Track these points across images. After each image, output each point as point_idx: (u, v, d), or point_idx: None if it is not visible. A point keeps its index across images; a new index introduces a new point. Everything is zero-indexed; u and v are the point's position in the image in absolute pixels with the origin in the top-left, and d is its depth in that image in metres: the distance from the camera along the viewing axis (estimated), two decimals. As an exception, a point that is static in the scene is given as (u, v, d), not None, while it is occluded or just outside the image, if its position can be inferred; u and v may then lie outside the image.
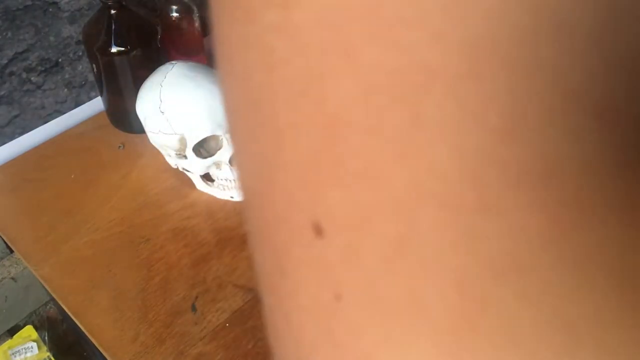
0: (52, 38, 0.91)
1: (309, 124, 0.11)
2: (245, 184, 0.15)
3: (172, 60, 0.85)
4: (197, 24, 0.97)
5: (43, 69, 0.92)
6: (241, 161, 0.15)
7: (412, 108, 0.10)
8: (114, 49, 0.85)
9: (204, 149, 0.82)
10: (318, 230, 0.12)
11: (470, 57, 0.10)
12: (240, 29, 0.12)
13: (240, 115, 0.14)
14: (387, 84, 0.10)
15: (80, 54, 0.95)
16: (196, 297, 0.75)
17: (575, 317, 0.11)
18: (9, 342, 1.00)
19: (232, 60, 0.13)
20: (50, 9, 0.88)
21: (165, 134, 0.79)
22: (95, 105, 1.01)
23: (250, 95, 0.13)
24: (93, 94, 1.01)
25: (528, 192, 0.10)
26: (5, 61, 0.87)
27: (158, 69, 0.83)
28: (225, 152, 0.80)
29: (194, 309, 0.74)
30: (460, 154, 0.10)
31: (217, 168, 0.82)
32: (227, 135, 0.79)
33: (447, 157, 0.10)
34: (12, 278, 0.99)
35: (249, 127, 0.13)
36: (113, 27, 0.84)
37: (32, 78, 0.92)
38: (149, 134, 0.83)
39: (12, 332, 1.03)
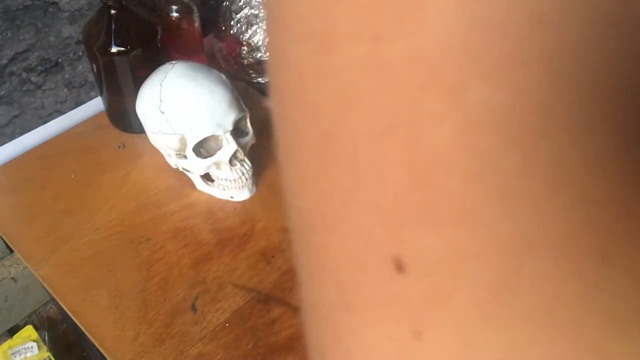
0: (52, 38, 0.91)
1: (396, 163, 0.11)
2: (303, 219, 0.14)
3: (172, 60, 0.85)
4: (197, 24, 0.97)
5: (43, 69, 0.92)
6: (299, 191, 0.14)
7: (526, 153, 0.10)
8: (114, 49, 0.85)
9: (204, 149, 0.82)
10: (399, 267, 0.12)
11: (593, 102, 0.09)
12: (314, 59, 0.11)
13: (305, 149, 0.13)
14: (496, 125, 0.10)
15: (80, 54, 0.95)
16: (196, 297, 0.75)
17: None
18: (9, 342, 1.00)
19: (301, 90, 0.12)
20: (50, 9, 0.88)
21: (165, 134, 0.79)
22: (95, 105, 1.01)
23: (322, 129, 0.12)
24: (93, 94, 1.01)
25: None
26: (5, 61, 0.87)
27: (158, 69, 0.83)
28: (225, 152, 0.80)
29: (194, 309, 0.74)
30: (578, 203, 0.10)
31: (217, 168, 0.82)
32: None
33: (562, 206, 0.10)
34: (12, 278, 0.99)
35: (317, 162, 0.12)
36: (113, 27, 0.84)
37: (32, 78, 0.92)
38: (149, 134, 0.83)
39: (12, 332, 1.03)
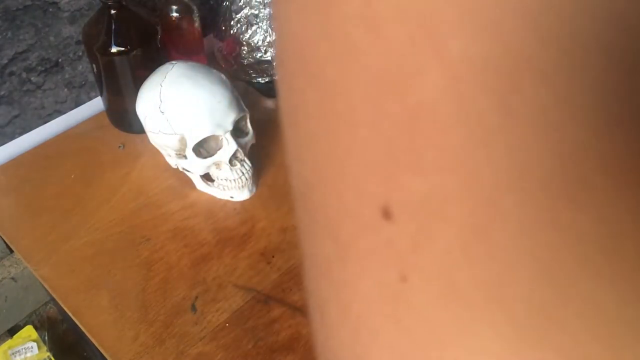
0: (52, 38, 0.91)
1: (388, 116, 0.11)
2: (304, 179, 0.15)
3: (172, 60, 0.85)
4: (197, 24, 0.97)
5: (43, 69, 0.92)
6: (301, 155, 0.15)
7: (502, 98, 0.10)
8: (114, 49, 0.85)
9: (204, 149, 0.82)
10: (387, 215, 0.12)
11: (565, 48, 0.09)
12: (314, 19, 0.12)
13: (308, 111, 0.13)
14: (476, 73, 0.10)
15: (80, 54, 0.95)
16: (196, 297, 0.75)
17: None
18: (9, 342, 1.00)
19: (303, 52, 0.13)
20: (50, 9, 0.88)
21: (165, 134, 0.79)
22: (95, 105, 1.01)
23: (324, 89, 0.13)
24: (93, 94, 1.01)
25: (626, 188, 0.10)
26: (5, 61, 0.87)
27: (158, 69, 0.83)
28: (225, 152, 0.80)
29: (194, 309, 0.74)
30: (551, 145, 0.10)
31: (217, 168, 0.82)
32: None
33: (536, 148, 0.10)
34: (12, 278, 0.99)
35: (317, 122, 0.13)
36: (113, 27, 0.84)
37: (32, 78, 0.92)
38: (149, 134, 0.83)
39: (12, 332, 1.03)
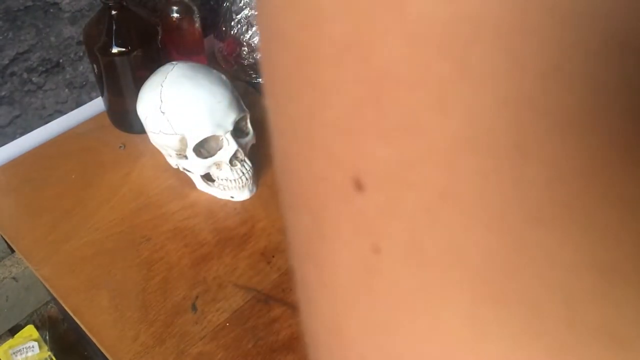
0: (53, 38, 0.91)
1: (353, 79, 0.12)
2: (281, 149, 0.15)
3: (173, 60, 0.85)
4: (197, 25, 0.98)
5: (44, 69, 0.92)
6: (278, 124, 0.15)
7: (458, 60, 0.10)
8: (114, 50, 0.85)
9: (204, 149, 0.82)
10: (358, 186, 0.12)
11: (519, 9, 0.10)
12: None
13: (281, 76, 0.14)
14: (433, 36, 0.10)
15: (81, 54, 0.95)
16: (196, 297, 0.75)
17: (616, 259, 0.11)
18: (10, 341, 1.00)
19: (277, 24, 0.13)
20: (51, 10, 0.89)
21: (166, 134, 0.80)
22: (96, 105, 1.01)
23: (294, 54, 0.13)
24: (94, 94, 1.01)
25: (571, 138, 0.11)
26: (6, 61, 0.87)
27: (159, 69, 0.83)
28: (225, 153, 0.81)
29: (194, 308, 0.74)
30: (503, 103, 0.10)
31: (217, 168, 0.82)
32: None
33: (490, 107, 0.11)
34: (13, 278, 0.99)
35: (289, 88, 0.13)
36: (114, 27, 0.84)
37: (33, 78, 0.92)
38: (150, 134, 0.83)
39: (13, 331, 1.03)
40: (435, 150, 0.11)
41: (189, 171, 0.84)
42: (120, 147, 0.94)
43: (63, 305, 0.75)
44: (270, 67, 0.14)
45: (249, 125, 0.85)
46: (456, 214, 0.12)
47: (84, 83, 0.99)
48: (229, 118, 0.80)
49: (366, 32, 0.11)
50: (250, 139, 0.85)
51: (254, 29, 0.98)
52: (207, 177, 0.85)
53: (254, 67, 1.01)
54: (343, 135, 0.12)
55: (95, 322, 0.72)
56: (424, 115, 0.11)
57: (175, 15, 0.95)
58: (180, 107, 0.78)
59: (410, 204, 0.12)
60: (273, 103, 0.15)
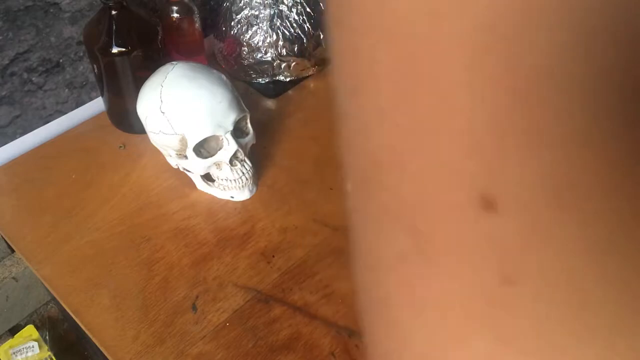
0: (53, 39, 0.91)
1: (495, 84, 0.10)
2: (369, 159, 0.13)
3: (173, 60, 0.85)
4: (197, 25, 0.98)
5: (44, 69, 0.92)
6: (366, 131, 0.13)
7: None
8: (114, 50, 0.85)
9: (204, 149, 0.82)
10: (489, 206, 0.10)
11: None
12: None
13: (378, 72, 0.12)
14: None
15: (81, 54, 0.96)
16: (196, 297, 0.75)
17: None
18: (10, 341, 1.00)
19: (378, 13, 0.11)
20: (52, 10, 0.89)
21: (166, 134, 0.80)
22: (96, 105, 1.01)
23: (400, 46, 0.11)
24: (94, 94, 1.01)
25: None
26: (6, 62, 0.87)
27: (159, 69, 0.83)
28: (225, 153, 0.81)
29: (194, 308, 0.74)
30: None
31: (217, 168, 0.83)
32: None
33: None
34: (14, 278, 1.00)
35: (392, 84, 0.11)
36: (114, 27, 0.85)
37: (33, 78, 0.92)
38: (150, 134, 0.83)
39: (13, 331, 1.03)
40: (599, 169, 0.09)
41: (189, 171, 0.84)
42: (120, 147, 0.94)
43: (63, 305, 0.75)
44: (359, 65, 0.12)
45: (249, 125, 0.85)
46: (630, 255, 0.10)
47: (84, 83, 0.99)
48: (229, 118, 0.80)
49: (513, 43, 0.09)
50: (250, 139, 0.85)
51: (254, 29, 0.99)
52: (207, 177, 0.85)
53: (254, 67, 1.02)
54: (473, 148, 0.10)
55: (96, 321, 0.72)
56: (592, 129, 0.09)
57: (175, 15, 0.95)
58: (181, 107, 0.78)
59: (565, 233, 0.10)
60: (357, 108, 0.13)
